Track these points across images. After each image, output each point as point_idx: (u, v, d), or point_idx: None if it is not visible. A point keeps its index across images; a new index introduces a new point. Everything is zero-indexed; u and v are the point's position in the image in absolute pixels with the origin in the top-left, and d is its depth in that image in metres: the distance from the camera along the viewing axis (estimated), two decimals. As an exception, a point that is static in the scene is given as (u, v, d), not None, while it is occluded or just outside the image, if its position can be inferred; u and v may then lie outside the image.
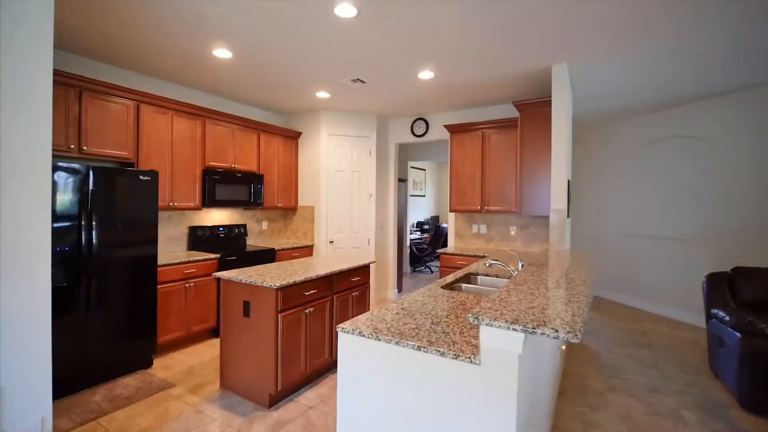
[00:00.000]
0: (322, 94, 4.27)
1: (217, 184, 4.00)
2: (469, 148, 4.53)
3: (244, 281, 2.56)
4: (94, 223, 2.74)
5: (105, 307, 2.82)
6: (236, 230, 4.55)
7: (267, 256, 4.29)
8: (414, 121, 5.26)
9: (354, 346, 1.55)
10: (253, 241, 4.90)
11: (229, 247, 4.34)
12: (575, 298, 1.48)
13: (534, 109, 3.74)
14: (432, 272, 7.76)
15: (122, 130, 3.28)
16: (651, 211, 5.14)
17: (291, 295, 2.56)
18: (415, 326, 1.57)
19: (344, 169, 5.06)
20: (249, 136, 4.45)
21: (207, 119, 3.98)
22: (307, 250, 4.92)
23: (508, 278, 2.75)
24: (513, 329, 1.15)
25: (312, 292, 2.74)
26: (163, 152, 3.58)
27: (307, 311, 2.70)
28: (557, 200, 3.38)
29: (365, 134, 5.12)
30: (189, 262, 3.50)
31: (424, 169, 9.95)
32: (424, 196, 9.91)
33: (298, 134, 5.11)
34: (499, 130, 4.33)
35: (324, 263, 3.25)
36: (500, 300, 1.44)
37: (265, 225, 5.07)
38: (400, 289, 5.78)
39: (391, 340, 1.44)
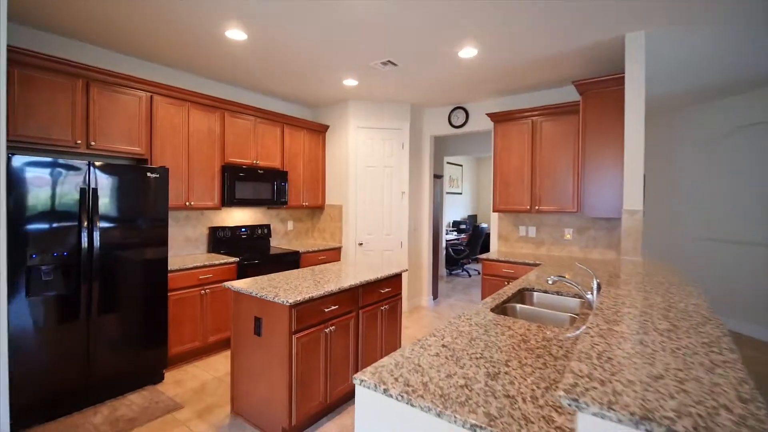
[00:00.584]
0: (350, 82, 3.85)
1: (238, 182, 3.70)
2: (517, 139, 3.95)
3: (254, 294, 2.19)
4: (95, 225, 2.48)
5: (109, 317, 2.57)
6: (259, 231, 4.25)
7: (291, 259, 3.95)
8: (452, 111, 4.73)
9: (376, 408, 1.11)
10: (277, 243, 4.59)
11: (251, 249, 4.04)
12: (715, 352, 0.94)
13: (600, 89, 3.11)
14: (470, 276, 7.19)
15: (134, 123, 3.03)
16: (738, 212, 4.31)
17: (308, 312, 2.17)
18: (463, 380, 1.11)
19: (375, 164, 4.63)
20: (272, 129, 4.13)
21: (226, 111, 3.69)
22: (334, 253, 4.54)
23: (575, 296, 2.20)
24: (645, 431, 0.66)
25: (333, 308, 2.33)
26: (178, 147, 3.32)
27: (327, 330, 2.30)
28: (631, 199, 2.76)
29: (398, 126, 4.67)
30: (204, 266, 3.21)
31: (461, 165, 9.34)
32: (460, 193, 9.31)
33: (325, 128, 4.74)
34: (553, 118, 3.73)
35: (350, 271, 2.84)
36: (598, 357, 0.94)
37: (290, 225, 4.75)
38: (435, 296, 5.29)
39: (429, 409, 0.98)
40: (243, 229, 4.10)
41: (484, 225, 7.36)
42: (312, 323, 2.20)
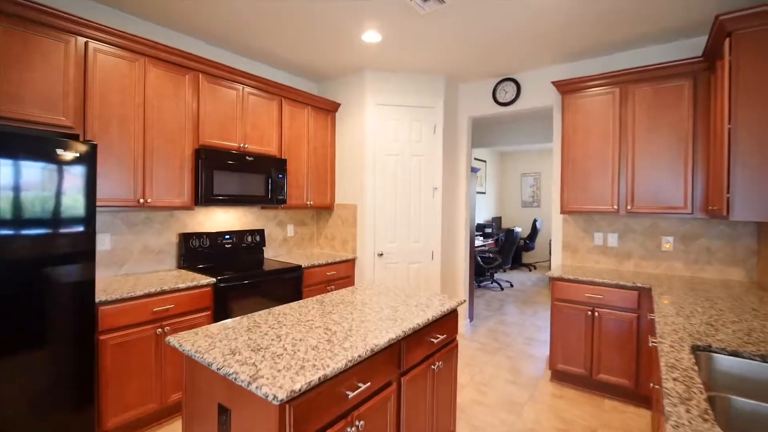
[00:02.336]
0: (371, 36, 2.82)
1: (218, 172, 2.68)
2: (597, 114, 2.90)
3: (219, 370, 1.16)
4: (-45, 236, 1.47)
5: (-12, 387, 1.55)
6: (249, 238, 3.23)
7: (290, 277, 2.92)
8: (498, 84, 3.69)
9: None
10: (274, 253, 3.57)
11: (238, 263, 3.02)
12: None
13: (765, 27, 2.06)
14: (501, 288, 6.13)
15: (57, 82, 2.02)
16: None
17: (317, 405, 1.13)
18: None
19: (399, 152, 3.60)
20: (266, 104, 3.11)
21: (203, 74, 2.67)
22: (347, 267, 3.51)
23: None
24: None
25: (361, 387, 1.29)
26: (128, 121, 2.30)
27: (351, 430, 1.26)
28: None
29: (429, 103, 3.63)
30: (161, 293, 2.19)
31: (485, 160, 8.29)
32: (484, 192, 8.26)
33: (336, 106, 3.72)
34: (654, 83, 2.68)
35: (379, 302, 1.81)
36: None
37: (290, 230, 3.73)
38: (471, 317, 4.24)
39: None
40: (227, 236, 3.08)
41: (517, 229, 6.30)
42: (324, 422, 1.16)
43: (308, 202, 3.49)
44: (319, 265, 3.21)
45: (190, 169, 2.61)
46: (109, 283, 2.26)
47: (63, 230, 1.79)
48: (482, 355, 3.37)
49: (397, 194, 3.60)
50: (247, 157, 2.87)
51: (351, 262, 3.56)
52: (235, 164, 2.79)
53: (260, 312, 1.71)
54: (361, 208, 3.59)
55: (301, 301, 1.92)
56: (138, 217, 2.64)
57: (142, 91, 2.36)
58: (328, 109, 3.67)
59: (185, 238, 2.81)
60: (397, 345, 1.49)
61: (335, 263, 3.37)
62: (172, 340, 1.35)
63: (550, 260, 6.61)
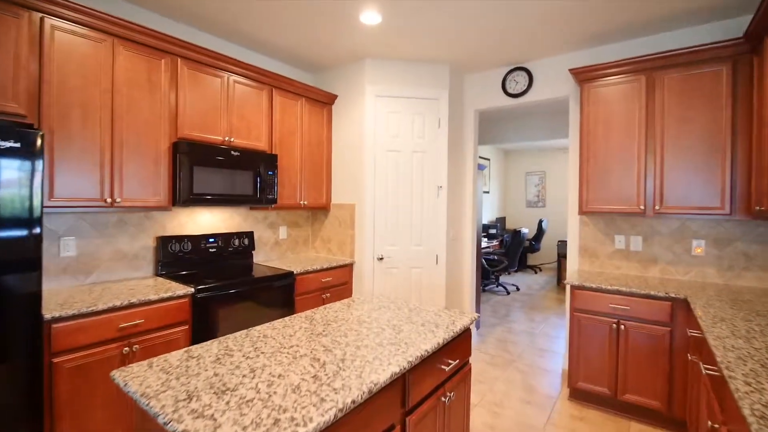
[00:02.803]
0: (371, 17, 2.54)
1: (198, 169, 2.40)
2: (621, 104, 2.62)
3: (166, 426, 0.88)
4: None
5: None
6: (237, 242, 2.95)
7: (281, 285, 2.64)
8: (508, 73, 3.41)
9: None
10: (264, 258, 3.29)
11: (224, 269, 2.74)
12: None
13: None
14: (507, 292, 5.84)
15: (6, 63, 1.74)
16: None
17: (296, 471, 0.85)
18: None
19: (401, 147, 3.31)
20: (255, 94, 2.83)
21: (182, 59, 2.39)
22: (344, 272, 3.23)
23: None
24: None
25: (357, 437, 1.01)
26: (93, 109, 2.02)
27: (342, 495, 0.98)
28: None
29: (432, 95, 3.35)
30: (128, 306, 1.91)
31: (488, 158, 8.01)
32: (488, 192, 7.98)
33: (333, 98, 3.43)
34: (685, 70, 2.40)
35: (378, 318, 1.53)
36: None
37: (282, 233, 3.44)
38: (478, 325, 3.96)
39: None
40: (211, 240, 2.79)
41: (524, 230, 6.02)
42: (307, 493, 0.88)
43: (302, 202, 3.21)
44: (314, 271, 2.93)
45: (167, 165, 2.32)
46: (72, 295, 1.98)
47: (6, 232, 1.51)
48: (492, 370, 3.08)
49: (398, 193, 3.31)
50: (233, 152, 2.59)
51: (348, 267, 3.28)
52: (218, 160, 2.51)
53: (236, 334, 1.43)
54: (359, 209, 3.31)
55: (287, 318, 1.64)
56: (109, 219, 2.35)
57: (110, 76, 2.08)
58: (324, 101, 3.39)
59: (163, 242, 2.53)
60: (401, 379, 1.21)
61: (331, 269, 3.09)
62: (118, 376, 1.07)
63: (558, 262, 6.33)
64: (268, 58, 3.30)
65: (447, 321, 1.60)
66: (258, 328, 1.49)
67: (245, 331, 1.46)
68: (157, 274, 2.53)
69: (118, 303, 1.86)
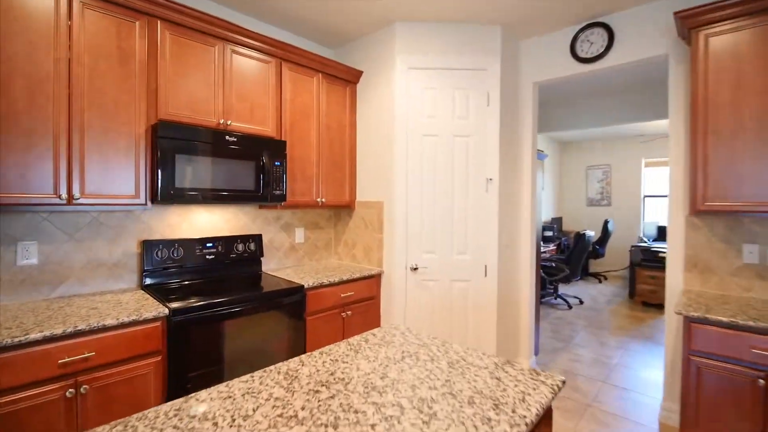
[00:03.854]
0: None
1: (182, 157, 1.93)
2: (756, 60, 1.80)
3: None
4: None
5: None
6: (241, 247, 2.47)
7: (288, 303, 2.11)
8: (580, 31, 2.65)
9: None
10: (278, 264, 2.79)
11: (222, 280, 2.27)
12: None
13: None
14: (569, 306, 4.96)
15: None
16: None
17: None
18: None
19: (439, 131, 2.67)
20: (260, 68, 2.33)
21: (162, 21, 1.93)
22: (370, 285, 2.65)
23: None
24: None
25: None
26: (41, 81, 1.60)
27: None
28: None
29: (480, 65, 2.67)
30: (71, 335, 1.45)
31: (541, 150, 7.06)
32: (542, 188, 7.05)
33: (357, 75, 2.87)
34: None
35: (394, 395, 0.91)
36: None
37: (299, 236, 2.93)
38: (536, 350, 3.21)
39: None
40: (209, 245, 2.33)
41: (589, 232, 5.10)
42: None
43: (319, 199, 2.67)
44: (330, 284, 2.38)
45: (144, 153, 1.87)
46: (17, 315, 1.57)
47: None
48: (562, 419, 2.35)
49: (436, 188, 2.67)
50: (227, 137, 2.10)
51: (375, 279, 2.69)
52: (209, 147, 2.02)
53: (148, 416, 0.89)
54: (388, 208, 2.71)
55: (256, 375, 1.08)
56: (80, 220, 1.95)
57: (67, 42, 1.65)
58: (347, 78, 2.83)
59: (148, 248, 2.09)
60: None
61: (353, 280, 2.52)
62: None
63: (630, 271, 5.32)
64: (276, 28, 2.80)
65: (513, 395, 0.96)
66: (200, 396, 0.95)
67: (172, 405, 0.91)
68: (142, 287, 2.10)
69: (57, 332, 1.41)
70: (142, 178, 1.87)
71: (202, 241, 2.31)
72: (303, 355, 1.20)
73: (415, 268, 2.67)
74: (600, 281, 6.73)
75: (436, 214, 2.68)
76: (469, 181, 2.68)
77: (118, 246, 2.07)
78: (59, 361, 1.42)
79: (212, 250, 2.34)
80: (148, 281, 2.10)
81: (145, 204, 1.89)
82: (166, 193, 1.87)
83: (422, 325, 2.69)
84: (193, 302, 1.80)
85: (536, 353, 3.22)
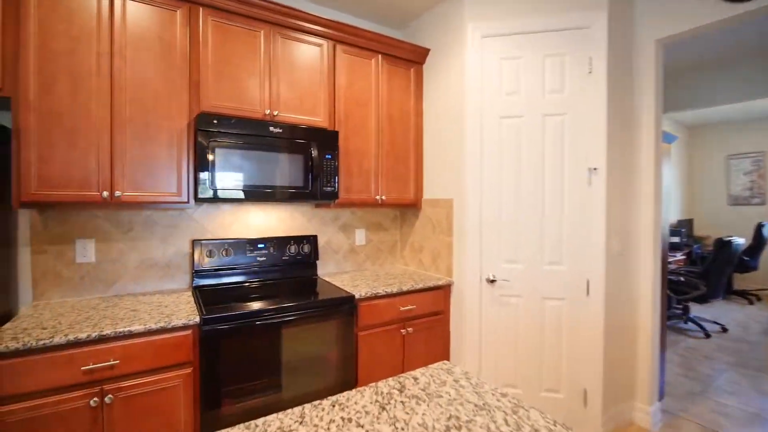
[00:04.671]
0: None
1: (222, 151, 1.78)
2: None
3: None
4: None
5: None
6: (293, 248, 2.28)
7: (336, 317, 1.84)
8: (734, -44, 1.88)
9: None
10: (336, 268, 2.56)
11: (274, 284, 2.09)
12: None
13: None
14: (707, 336, 3.83)
15: (-23, 20, 1.38)
16: None
17: None
18: None
19: (523, 111, 2.15)
20: (311, 52, 2.11)
21: (204, 8, 1.81)
22: (436, 298, 2.24)
23: None
24: None
25: None
26: (83, 77, 1.57)
27: None
28: None
29: (578, 23, 2.08)
30: (90, 342, 1.35)
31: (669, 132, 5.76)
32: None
33: (423, 53, 2.49)
34: None
35: None
36: None
37: (360, 237, 2.66)
38: (661, 393, 2.43)
39: None
40: (261, 246, 2.18)
41: (738, 240, 3.90)
42: None
43: (379, 197, 2.36)
44: (386, 295, 2.04)
45: (186, 148, 1.77)
46: (64, 313, 1.55)
47: None
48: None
49: (520, 182, 2.15)
50: (272, 128, 1.90)
51: (443, 291, 2.28)
52: (253, 139, 1.85)
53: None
54: (459, 206, 2.27)
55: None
56: (133, 218, 1.93)
57: (109, 36, 1.61)
58: (411, 58, 2.47)
59: (198, 248, 2.01)
60: None
61: (414, 291, 2.15)
62: None
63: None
64: (333, 11, 2.56)
65: None
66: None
67: None
68: (194, 287, 2.02)
69: (82, 336, 1.33)
70: (184, 175, 1.77)
71: (253, 242, 2.16)
72: (308, 405, 0.87)
73: (493, 281, 2.19)
74: (750, 302, 5.20)
75: (521, 213, 2.15)
76: (565, 172, 2.10)
77: (171, 245, 2.02)
78: (82, 368, 1.33)
79: (263, 252, 2.18)
80: (197, 282, 2.01)
81: (188, 202, 1.78)
82: (206, 190, 1.74)
83: (502, 352, 2.18)
84: (227, 311, 1.62)
85: (661, 397, 2.44)
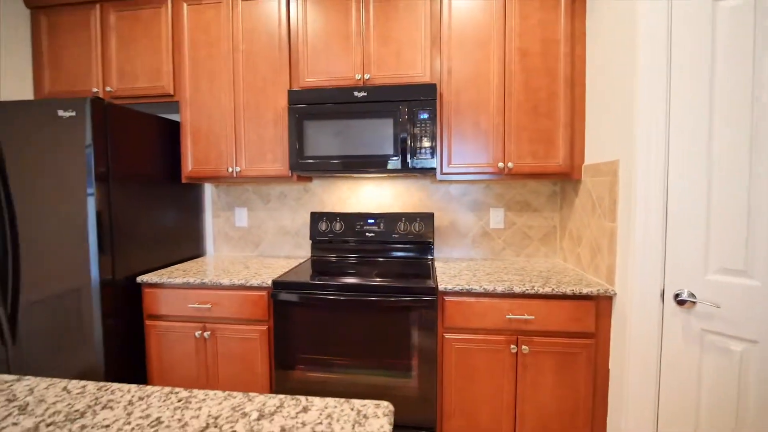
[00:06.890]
0: None
1: (310, 123, 1.79)
2: None
3: None
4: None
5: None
6: (403, 226, 2.07)
7: (413, 314, 1.54)
8: None
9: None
10: (460, 253, 2.15)
11: (375, 264, 1.99)
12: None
13: None
14: None
15: (157, 51, 1.95)
16: None
17: None
18: None
19: (732, 32, 1.05)
20: (410, -5, 1.79)
21: (302, -15, 1.85)
22: (576, 313, 1.48)
23: None
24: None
25: None
26: (214, 74, 1.92)
27: None
28: None
29: None
30: (196, 286, 1.66)
31: None
32: None
33: (585, -56, 1.64)
34: None
35: None
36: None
37: (496, 219, 2.11)
38: None
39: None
40: (370, 221, 2.10)
41: None
42: None
43: (503, 164, 1.78)
44: (484, 294, 1.52)
45: (284, 124, 1.90)
46: (212, 263, 2.02)
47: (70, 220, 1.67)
48: None
49: (753, 127, 1.08)
50: (357, 93, 1.74)
51: (594, 303, 1.48)
52: (337, 107, 1.76)
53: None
54: (626, 170, 1.39)
55: None
56: (271, 192, 2.26)
57: (229, 35, 1.90)
58: (563, -41, 1.68)
59: (314, 220, 2.15)
60: None
61: (531, 296, 1.50)
62: None
63: None
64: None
65: None
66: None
67: None
68: (312, 257, 2.19)
69: (193, 280, 1.67)
70: (284, 150, 1.90)
71: (363, 217, 2.11)
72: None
73: (682, 301, 1.24)
74: None
75: (755, 187, 1.09)
76: None
77: (299, 216, 2.26)
78: (189, 305, 1.68)
79: (372, 228, 2.09)
80: (315, 252, 2.16)
81: (290, 176, 1.91)
82: (294, 163, 1.81)
83: None
84: (294, 279, 1.64)
85: None
